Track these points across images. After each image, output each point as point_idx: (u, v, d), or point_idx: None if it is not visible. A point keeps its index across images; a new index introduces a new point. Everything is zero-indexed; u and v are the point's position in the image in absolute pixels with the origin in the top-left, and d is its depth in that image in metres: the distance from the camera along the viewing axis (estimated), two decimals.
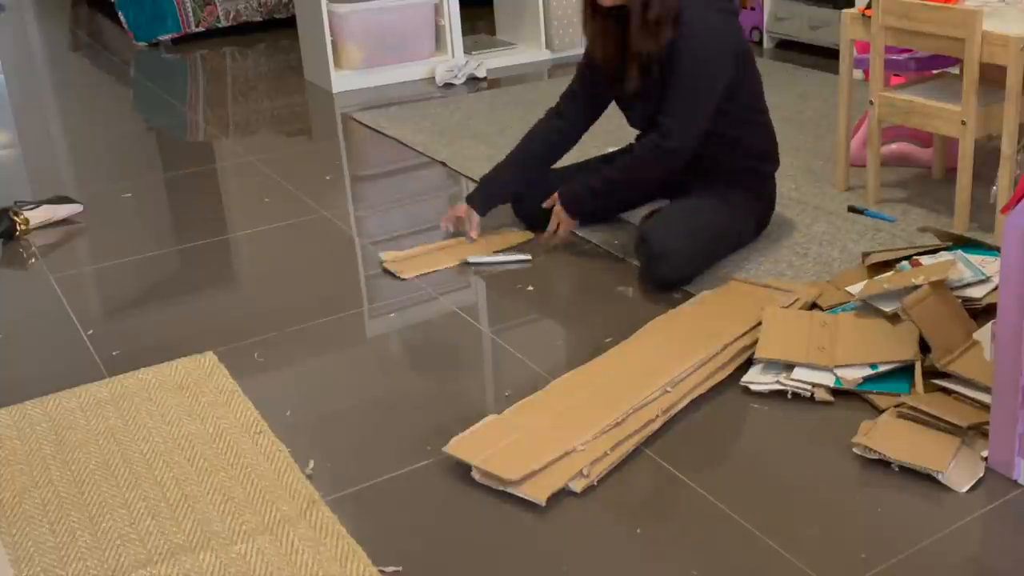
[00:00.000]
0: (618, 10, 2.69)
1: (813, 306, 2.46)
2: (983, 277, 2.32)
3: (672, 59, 2.64)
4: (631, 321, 2.55)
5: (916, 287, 2.21)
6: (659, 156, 2.73)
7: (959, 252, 2.45)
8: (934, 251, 2.52)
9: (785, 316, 2.36)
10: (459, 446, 2.02)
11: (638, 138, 2.92)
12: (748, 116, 2.80)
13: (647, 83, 2.71)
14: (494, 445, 2.01)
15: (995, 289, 2.29)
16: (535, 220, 3.04)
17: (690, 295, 2.63)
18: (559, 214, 2.94)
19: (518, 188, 3.04)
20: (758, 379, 2.22)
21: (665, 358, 2.27)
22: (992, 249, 2.46)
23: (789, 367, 2.22)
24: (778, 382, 2.20)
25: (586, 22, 2.80)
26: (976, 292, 2.29)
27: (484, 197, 3.02)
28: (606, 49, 2.79)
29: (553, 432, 2.05)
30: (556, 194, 2.94)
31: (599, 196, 2.88)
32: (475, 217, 3.01)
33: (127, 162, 4.12)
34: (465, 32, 5.13)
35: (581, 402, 2.15)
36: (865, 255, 2.66)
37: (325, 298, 2.76)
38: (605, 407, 2.11)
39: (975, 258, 2.41)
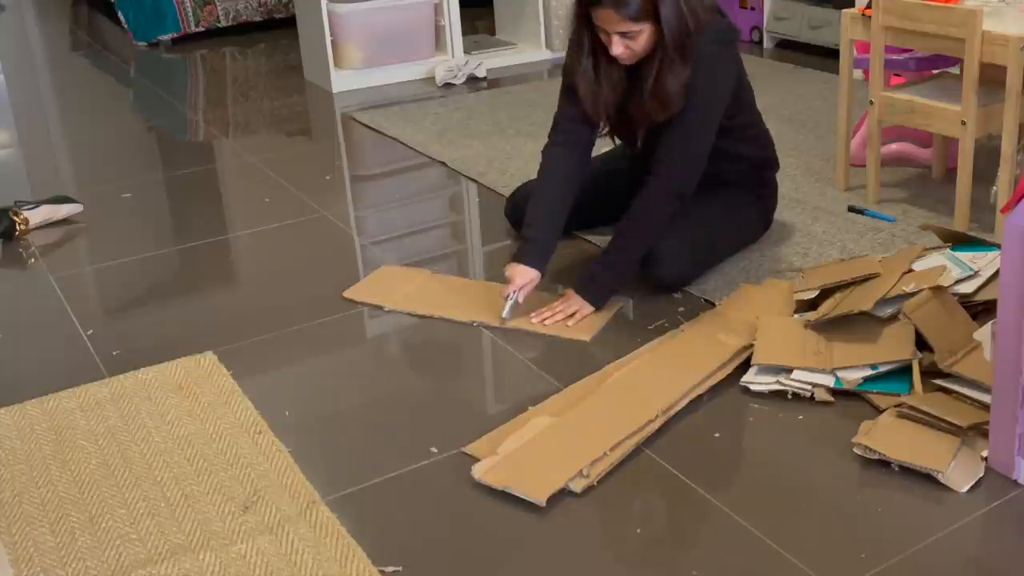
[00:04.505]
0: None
1: (812, 306, 2.46)
2: (971, 272, 2.32)
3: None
4: (631, 321, 2.55)
5: (912, 294, 2.21)
6: (672, 202, 2.56)
7: (948, 252, 2.45)
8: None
9: (780, 324, 2.36)
10: (487, 472, 1.98)
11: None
12: (746, 130, 2.77)
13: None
14: (523, 467, 1.98)
15: (986, 284, 2.29)
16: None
17: (690, 295, 2.63)
18: (576, 303, 2.57)
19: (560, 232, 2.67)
20: (758, 379, 2.22)
21: (683, 371, 2.27)
22: (989, 244, 2.46)
23: (789, 368, 2.22)
24: (778, 382, 2.20)
25: (579, 64, 2.55)
26: (966, 288, 2.29)
27: (542, 254, 2.60)
28: (607, 107, 2.60)
29: (573, 443, 2.04)
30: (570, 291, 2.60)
31: (622, 265, 2.59)
32: (532, 274, 2.57)
33: (127, 162, 4.11)
34: (465, 32, 5.13)
35: (602, 412, 2.14)
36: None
37: (325, 298, 2.76)
38: (623, 418, 2.11)
39: (966, 255, 2.40)
